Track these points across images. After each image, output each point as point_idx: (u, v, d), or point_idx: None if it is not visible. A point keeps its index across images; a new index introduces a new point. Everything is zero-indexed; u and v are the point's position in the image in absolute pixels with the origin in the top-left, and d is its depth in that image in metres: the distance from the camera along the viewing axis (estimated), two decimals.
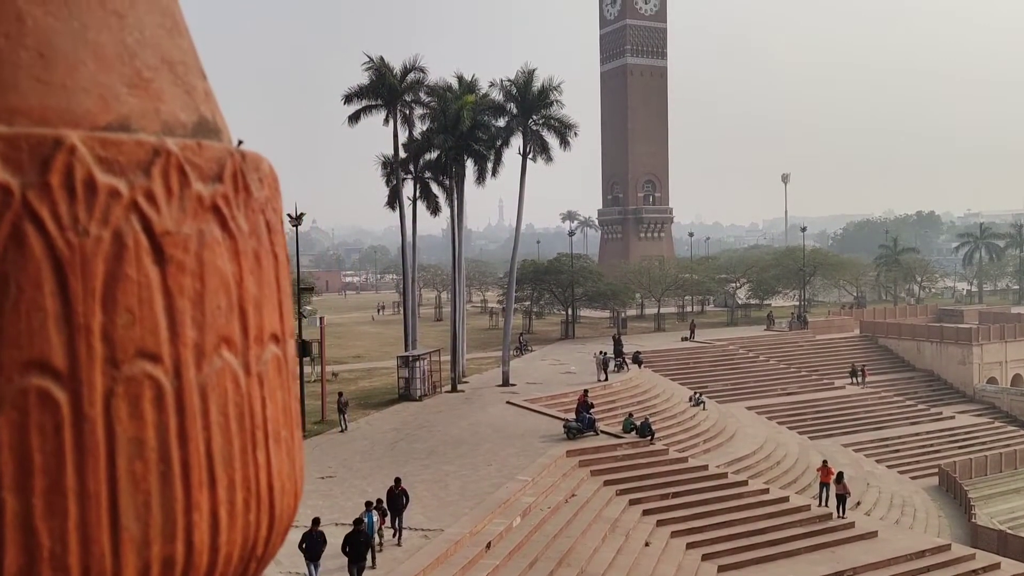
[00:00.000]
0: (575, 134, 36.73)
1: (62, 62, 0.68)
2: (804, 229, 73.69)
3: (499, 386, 35.21)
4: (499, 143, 37.11)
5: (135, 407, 0.65)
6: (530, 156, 36.52)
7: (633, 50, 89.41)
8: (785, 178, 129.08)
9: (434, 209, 39.30)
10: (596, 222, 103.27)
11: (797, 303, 65.71)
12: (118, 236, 0.65)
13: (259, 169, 0.78)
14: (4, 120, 0.64)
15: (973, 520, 30.55)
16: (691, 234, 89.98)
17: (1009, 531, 30.87)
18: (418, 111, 37.71)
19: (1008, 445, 39.39)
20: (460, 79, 38.45)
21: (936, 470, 35.69)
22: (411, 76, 36.16)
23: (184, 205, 0.69)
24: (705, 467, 26.91)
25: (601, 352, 36.94)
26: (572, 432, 26.34)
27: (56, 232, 0.62)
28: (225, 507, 0.71)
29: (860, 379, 45.65)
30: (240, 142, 0.97)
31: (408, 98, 36.70)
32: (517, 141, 36.69)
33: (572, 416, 27.39)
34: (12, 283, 0.61)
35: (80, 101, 0.68)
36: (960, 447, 39.16)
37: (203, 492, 0.69)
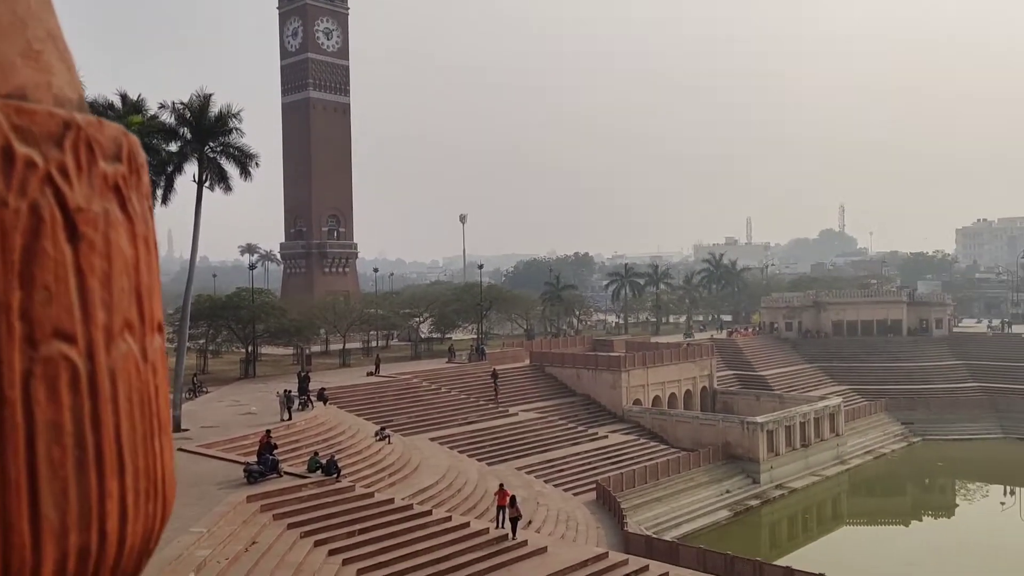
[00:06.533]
0: (256, 164, 35.42)
1: None
2: (481, 267, 78.44)
3: None
4: (171, 169, 34.52)
5: (53, 389, 0.62)
6: (207, 185, 34.48)
7: (316, 84, 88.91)
8: (463, 218, 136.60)
9: None
10: (278, 256, 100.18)
11: (476, 336, 69.42)
12: (35, 209, 0.62)
13: (140, 154, 0.76)
14: None
15: (625, 528, 34.38)
16: (376, 270, 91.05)
17: (654, 535, 35.23)
18: None
19: (652, 459, 45.02)
20: (124, 97, 35.15)
21: (594, 485, 39.62)
22: None
23: (92, 182, 0.66)
24: (391, 500, 27.11)
25: (284, 391, 35.69)
26: (253, 476, 25.01)
27: None
28: (132, 496, 0.68)
29: (495, 386, 50.97)
30: None
31: None
32: (192, 168, 34.47)
33: (253, 459, 26.02)
34: None
35: None
36: (613, 463, 43.91)
37: (114, 480, 0.66)
